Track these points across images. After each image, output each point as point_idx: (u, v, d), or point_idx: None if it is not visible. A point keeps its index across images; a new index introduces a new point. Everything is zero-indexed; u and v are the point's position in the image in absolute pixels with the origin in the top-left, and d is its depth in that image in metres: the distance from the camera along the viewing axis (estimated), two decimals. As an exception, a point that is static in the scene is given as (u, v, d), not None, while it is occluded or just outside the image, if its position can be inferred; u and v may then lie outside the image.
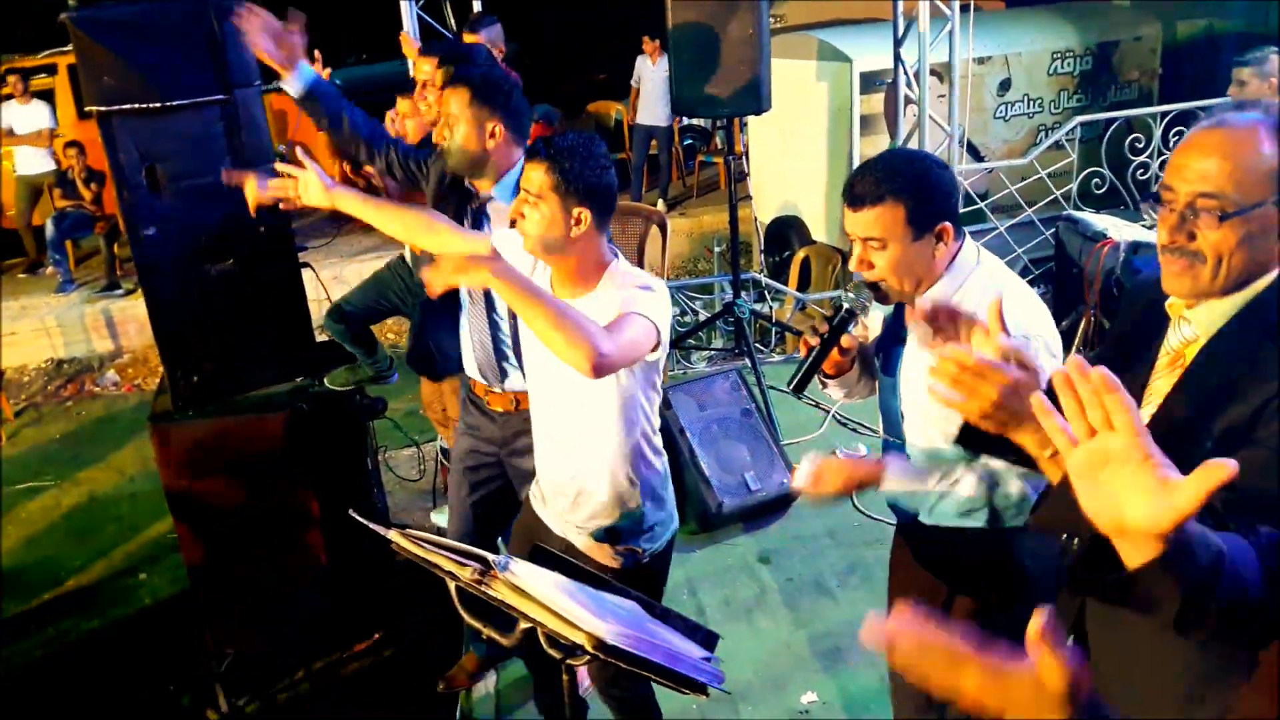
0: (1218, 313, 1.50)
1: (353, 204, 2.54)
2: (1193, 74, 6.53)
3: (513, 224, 2.31)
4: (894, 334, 2.21)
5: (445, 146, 2.72)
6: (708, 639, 1.83)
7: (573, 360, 1.96)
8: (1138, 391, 1.60)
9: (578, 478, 2.40)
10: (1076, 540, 1.41)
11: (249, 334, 3.43)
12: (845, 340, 2.06)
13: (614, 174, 2.24)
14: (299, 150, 2.53)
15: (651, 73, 9.67)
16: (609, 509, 2.38)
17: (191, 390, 3.40)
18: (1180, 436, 1.46)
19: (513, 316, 2.72)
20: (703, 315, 6.40)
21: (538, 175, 2.16)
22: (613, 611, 1.66)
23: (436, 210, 2.90)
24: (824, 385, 2.25)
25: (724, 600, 3.78)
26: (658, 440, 2.44)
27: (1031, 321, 1.95)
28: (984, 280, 2.03)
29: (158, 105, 3.21)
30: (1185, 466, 1.44)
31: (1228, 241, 1.44)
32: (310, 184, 2.52)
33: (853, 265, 2.04)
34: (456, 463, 2.99)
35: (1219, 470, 1.06)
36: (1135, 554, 1.16)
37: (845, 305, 2.02)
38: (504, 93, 2.71)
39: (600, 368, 1.97)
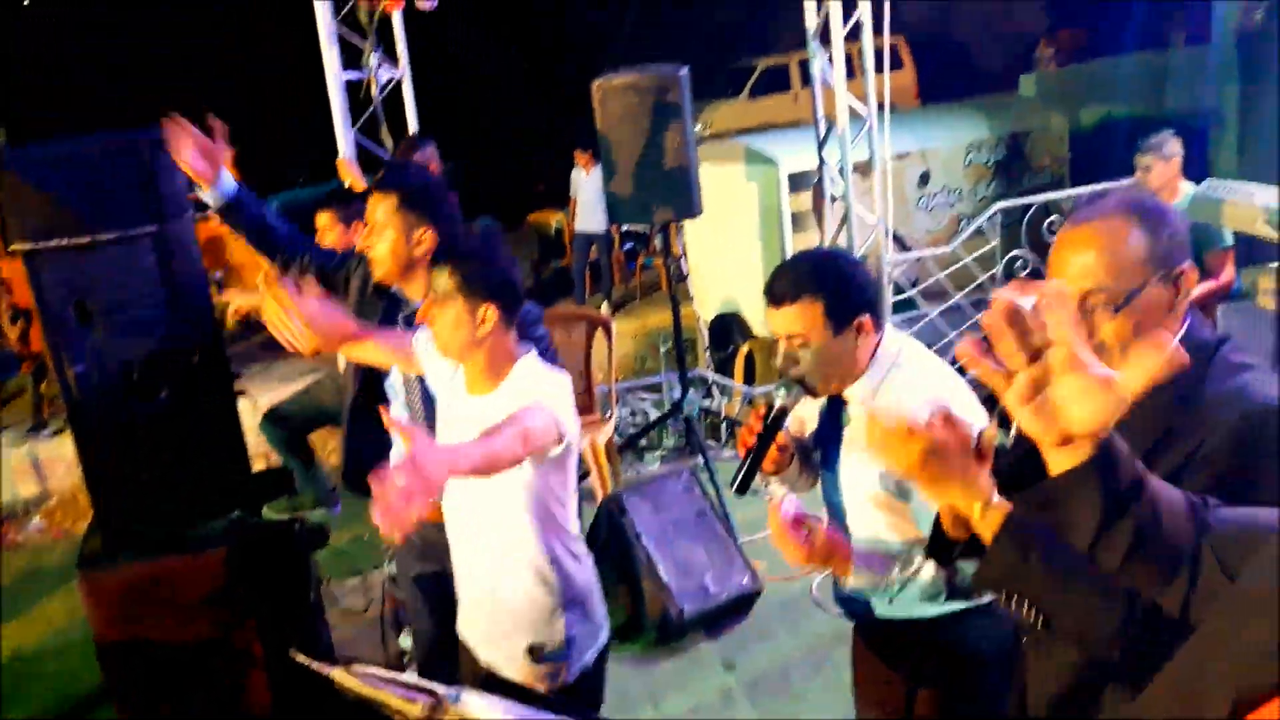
0: (1132, 386, 1.56)
1: None
2: (1099, 157, 6.85)
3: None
4: (830, 428, 2.24)
5: (371, 255, 2.70)
6: (670, 760, 1.76)
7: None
8: None
9: (492, 588, 2.35)
10: (1023, 604, 1.46)
11: (184, 468, 3.32)
12: (781, 437, 2.10)
13: (518, 270, 2.34)
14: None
15: (586, 182, 9.88)
16: (526, 622, 2.32)
17: (123, 531, 3.27)
18: None
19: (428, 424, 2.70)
20: (653, 415, 6.40)
21: (442, 279, 2.23)
22: (570, 740, 1.60)
23: (359, 318, 2.89)
24: (766, 484, 2.26)
25: (690, 710, 3.69)
26: (579, 546, 2.40)
27: (950, 401, 1.98)
28: (908, 369, 2.10)
29: (86, 240, 3.17)
30: None
31: (1125, 328, 1.54)
32: None
33: (778, 362, 2.09)
34: (402, 574, 2.95)
35: (1156, 356, 1.21)
36: (1065, 458, 1.24)
37: (777, 402, 2.05)
38: (433, 198, 2.72)
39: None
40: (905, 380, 2.07)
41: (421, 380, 2.70)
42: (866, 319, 2.06)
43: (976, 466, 1.51)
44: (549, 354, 2.51)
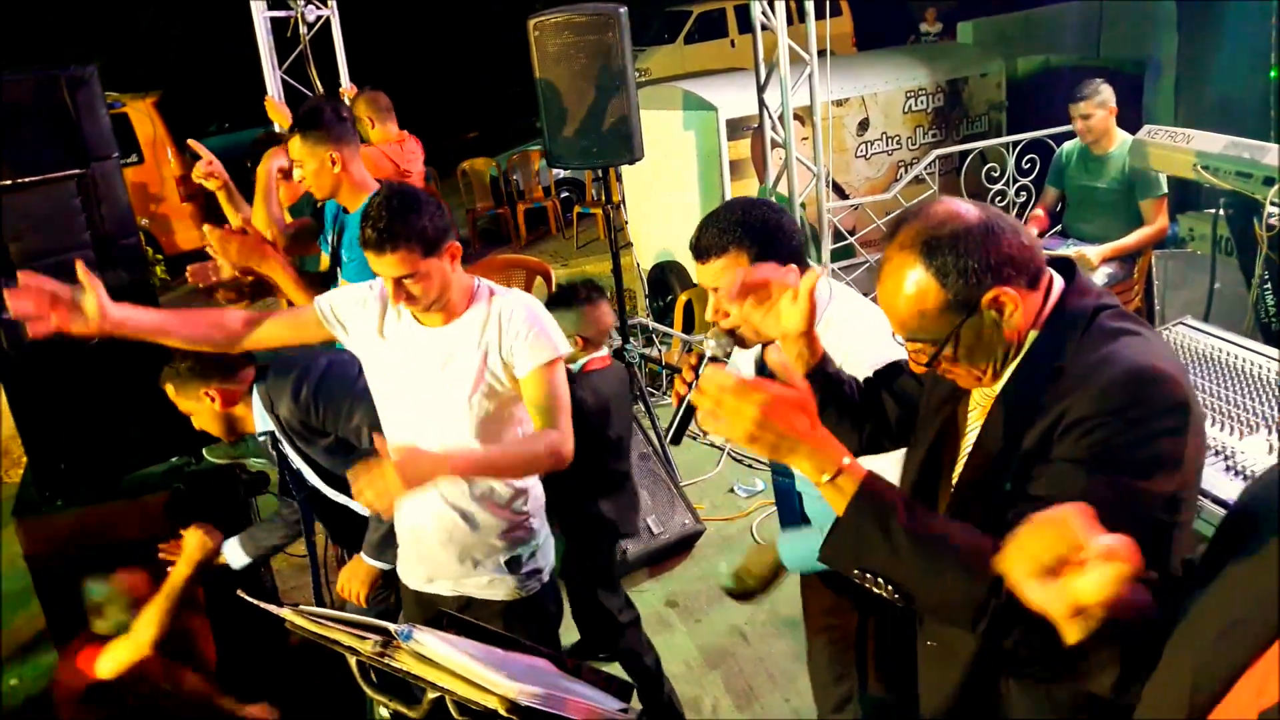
0: (1008, 370, 1.56)
1: (140, 323, 2.43)
2: (1035, 105, 6.93)
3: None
4: (763, 376, 2.26)
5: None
6: (621, 690, 1.81)
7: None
8: (942, 425, 1.68)
9: (461, 518, 2.39)
10: (867, 575, 1.44)
11: (118, 414, 3.26)
12: None
13: (442, 210, 2.29)
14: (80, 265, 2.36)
15: None
16: (499, 539, 2.40)
17: (59, 478, 3.22)
18: (991, 470, 1.54)
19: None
20: (592, 364, 6.40)
21: (393, 263, 2.21)
22: (523, 671, 1.62)
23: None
24: (704, 432, 2.30)
25: (633, 648, 3.74)
26: None
27: (875, 343, 2.01)
28: (840, 311, 2.14)
29: (8, 183, 3.06)
30: (995, 492, 1.51)
31: (962, 365, 1.51)
32: (89, 307, 2.32)
33: (709, 315, 2.09)
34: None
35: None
36: (831, 496, 1.42)
37: (709, 353, 2.05)
38: (196, 360, 2.76)
39: (570, 452, 2.25)
40: (839, 323, 2.10)
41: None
42: (793, 267, 2.06)
43: (821, 427, 1.42)
44: None
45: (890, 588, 1.41)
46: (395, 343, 2.40)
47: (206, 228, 3.15)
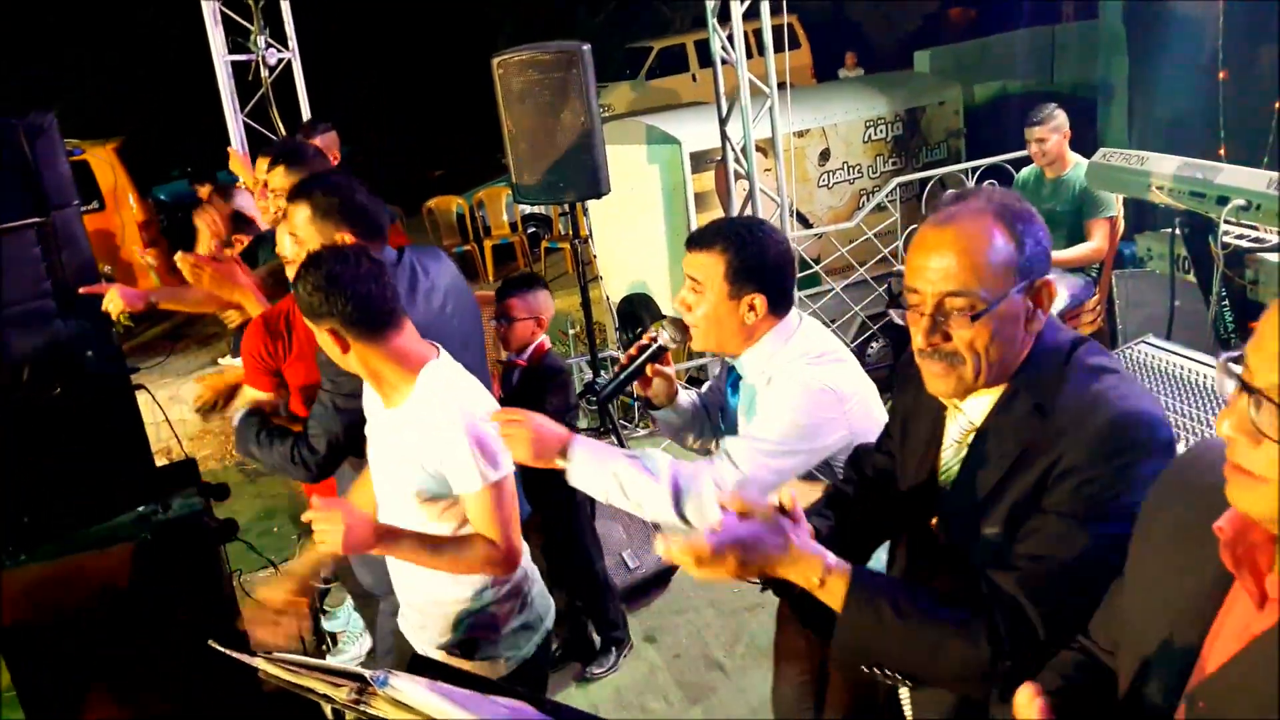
0: (987, 401, 1.53)
1: None
2: (992, 131, 7.06)
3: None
4: (731, 397, 2.30)
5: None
6: (603, 728, 1.78)
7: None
8: (929, 470, 1.63)
9: (425, 589, 2.32)
10: (875, 668, 1.45)
11: (83, 464, 3.21)
12: (651, 369, 2.21)
13: (340, 291, 2.07)
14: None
15: None
16: (458, 618, 2.29)
17: (23, 531, 3.15)
18: (975, 514, 1.51)
19: None
20: (563, 399, 6.39)
21: (309, 323, 2.18)
22: (503, 716, 1.60)
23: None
24: (651, 418, 2.36)
25: (615, 688, 3.71)
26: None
27: (830, 383, 2.07)
28: (795, 355, 2.10)
29: (-36, 233, 3.02)
30: (978, 541, 1.50)
31: (982, 338, 1.45)
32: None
33: (674, 300, 2.17)
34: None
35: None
36: (825, 596, 1.44)
37: (660, 342, 2.14)
38: (344, 198, 2.59)
39: (514, 563, 2.20)
40: (786, 369, 2.10)
41: None
42: (760, 299, 2.07)
43: (797, 539, 1.42)
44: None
45: (900, 675, 1.44)
46: (370, 413, 2.36)
47: (178, 255, 3.11)
